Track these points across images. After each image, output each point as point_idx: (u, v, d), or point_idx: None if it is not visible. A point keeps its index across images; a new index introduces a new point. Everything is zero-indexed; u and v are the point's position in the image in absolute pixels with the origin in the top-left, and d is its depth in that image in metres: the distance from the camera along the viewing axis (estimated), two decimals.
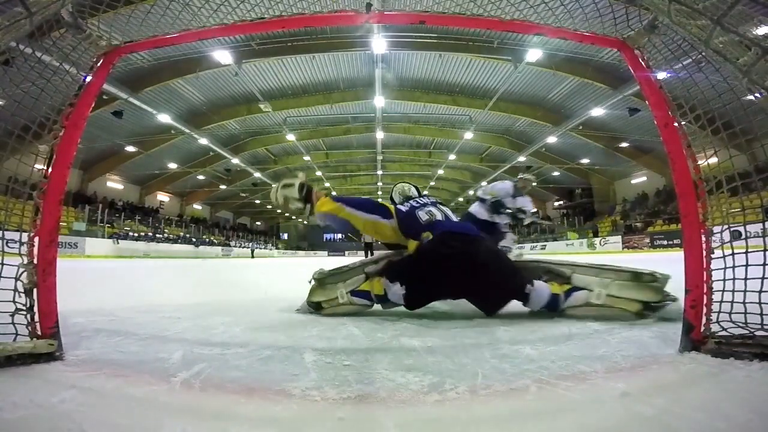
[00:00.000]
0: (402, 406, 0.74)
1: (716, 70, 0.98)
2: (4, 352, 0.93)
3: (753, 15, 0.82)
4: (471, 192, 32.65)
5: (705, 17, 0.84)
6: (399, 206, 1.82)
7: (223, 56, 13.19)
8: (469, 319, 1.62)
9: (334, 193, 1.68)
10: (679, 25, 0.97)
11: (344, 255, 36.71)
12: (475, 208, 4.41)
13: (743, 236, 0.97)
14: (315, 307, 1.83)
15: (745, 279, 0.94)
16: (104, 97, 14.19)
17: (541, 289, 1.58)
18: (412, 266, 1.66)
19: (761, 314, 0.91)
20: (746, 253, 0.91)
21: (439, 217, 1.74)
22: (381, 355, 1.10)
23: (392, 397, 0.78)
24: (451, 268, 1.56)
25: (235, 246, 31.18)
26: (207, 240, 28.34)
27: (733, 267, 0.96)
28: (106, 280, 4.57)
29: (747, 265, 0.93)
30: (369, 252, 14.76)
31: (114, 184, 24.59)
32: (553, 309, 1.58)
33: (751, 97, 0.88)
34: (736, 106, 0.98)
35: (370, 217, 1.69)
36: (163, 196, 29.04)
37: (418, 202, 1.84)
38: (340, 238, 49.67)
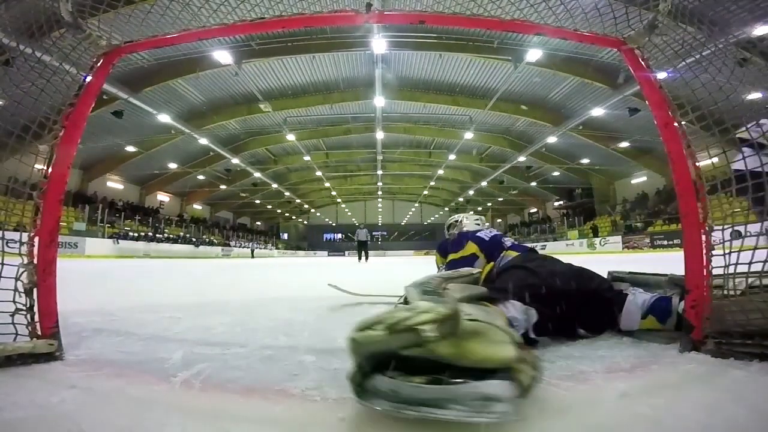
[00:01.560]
0: None
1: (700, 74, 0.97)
2: (4, 352, 0.93)
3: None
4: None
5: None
6: (478, 235, 1.70)
7: (223, 56, 13.18)
8: None
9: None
10: (682, 20, 0.96)
11: (344, 255, 36.73)
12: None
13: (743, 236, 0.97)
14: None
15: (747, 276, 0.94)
16: (104, 97, 14.17)
17: (639, 291, 1.27)
18: (519, 273, 1.33)
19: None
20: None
21: (516, 244, 1.70)
22: None
23: None
24: (550, 271, 1.30)
25: (235, 246, 31.18)
26: (207, 240, 28.34)
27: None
28: (106, 280, 4.57)
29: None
30: (363, 252, 13.78)
31: (114, 184, 24.58)
32: (663, 314, 1.17)
33: (750, 97, 0.87)
34: (734, 107, 0.98)
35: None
36: (163, 196, 29.03)
37: (499, 232, 1.78)
38: (339, 239, 49.65)
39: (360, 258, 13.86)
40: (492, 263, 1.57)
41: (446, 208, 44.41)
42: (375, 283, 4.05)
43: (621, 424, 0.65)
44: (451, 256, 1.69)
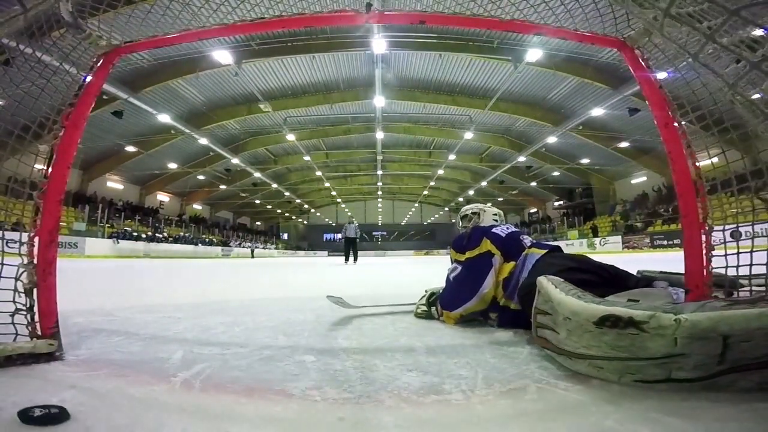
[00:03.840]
0: (402, 406, 0.74)
1: (701, 75, 0.96)
2: (4, 352, 0.93)
3: (752, 19, 0.78)
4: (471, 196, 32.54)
5: (698, 32, 0.83)
6: (494, 231, 1.59)
7: (223, 56, 13.18)
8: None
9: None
10: (669, 38, 0.96)
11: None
12: None
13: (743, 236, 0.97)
14: None
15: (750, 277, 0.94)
16: (104, 97, 14.17)
17: (680, 290, 1.19)
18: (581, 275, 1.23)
19: None
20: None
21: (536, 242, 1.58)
22: (381, 355, 1.10)
23: (392, 397, 0.78)
24: (602, 268, 1.29)
25: (235, 246, 31.18)
26: (207, 240, 28.34)
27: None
28: (106, 280, 4.57)
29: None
30: (351, 250, 11.66)
31: (114, 184, 24.59)
32: None
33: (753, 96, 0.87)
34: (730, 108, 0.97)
35: (490, 282, 1.47)
36: (163, 196, 29.03)
37: (516, 228, 1.68)
38: (339, 239, 49.59)
39: (347, 258, 11.51)
40: (512, 263, 1.47)
41: (446, 208, 44.43)
42: (378, 287, 4.05)
43: (621, 424, 0.65)
44: (468, 254, 1.58)
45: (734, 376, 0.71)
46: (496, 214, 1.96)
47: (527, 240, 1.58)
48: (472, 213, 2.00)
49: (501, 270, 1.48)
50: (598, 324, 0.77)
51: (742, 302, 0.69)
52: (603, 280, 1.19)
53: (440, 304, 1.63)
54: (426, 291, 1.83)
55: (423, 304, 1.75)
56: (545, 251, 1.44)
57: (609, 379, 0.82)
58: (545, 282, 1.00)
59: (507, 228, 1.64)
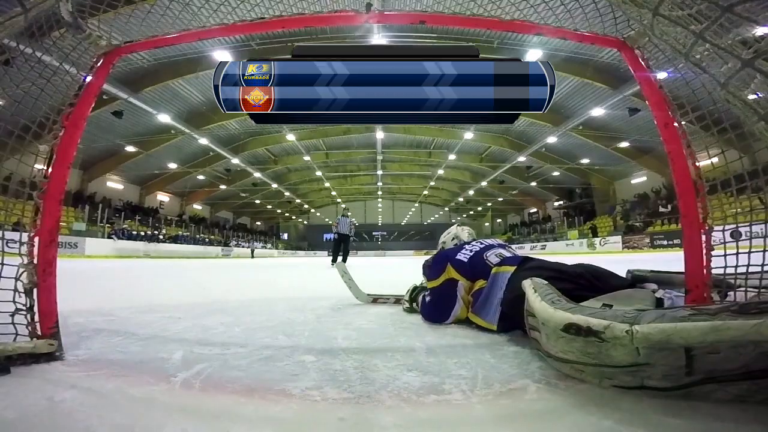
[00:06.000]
0: (402, 406, 0.74)
1: (700, 75, 0.95)
2: (4, 352, 0.93)
3: (747, 17, 0.76)
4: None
5: (687, 30, 0.83)
6: (457, 258, 1.58)
7: (223, 56, 13.17)
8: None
9: None
10: (661, 38, 0.96)
11: None
12: None
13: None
14: None
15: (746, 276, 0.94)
16: (104, 97, 14.17)
17: (674, 293, 1.15)
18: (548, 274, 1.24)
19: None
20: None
21: (508, 254, 1.56)
22: (381, 355, 1.10)
23: (392, 397, 0.78)
24: (578, 275, 1.26)
25: (235, 246, 31.15)
26: (207, 240, 28.33)
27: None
28: (106, 280, 4.57)
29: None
30: (343, 248, 9.85)
31: (114, 184, 24.57)
32: None
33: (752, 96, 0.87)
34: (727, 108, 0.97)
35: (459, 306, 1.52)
36: (163, 196, 29.00)
37: (483, 243, 1.66)
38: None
39: (335, 259, 9.42)
40: (481, 281, 1.47)
41: (446, 208, 44.44)
42: (376, 286, 4.06)
43: (621, 424, 0.65)
44: (430, 284, 1.60)
45: (711, 387, 0.70)
46: (455, 237, 1.93)
47: (494, 257, 1.52)
48: (442, 243, 2.02)
49: (471, 287, 1.53)
50: (565, 331, 0.78)
51: (705, 312, 0.65)
52: (580, 287, 1.18)
53: (421, 314, 1.72)
54: (409, 288, 1.93)
55: (407, 300, 1.89)
56: (515, 267, 1.39)
57: (591, 382, 0.82)
58: (527, 286, 1.02)
59: (471, 250, 1.60)
